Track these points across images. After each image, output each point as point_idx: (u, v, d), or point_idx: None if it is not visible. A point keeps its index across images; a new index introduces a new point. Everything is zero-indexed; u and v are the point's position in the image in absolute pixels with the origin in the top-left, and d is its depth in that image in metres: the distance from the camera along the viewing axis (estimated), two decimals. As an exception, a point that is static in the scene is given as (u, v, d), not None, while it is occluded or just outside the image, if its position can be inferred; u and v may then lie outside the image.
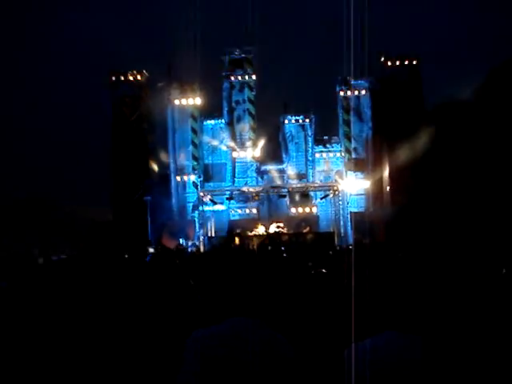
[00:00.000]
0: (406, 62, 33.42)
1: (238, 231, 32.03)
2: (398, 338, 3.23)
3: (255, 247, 25.65)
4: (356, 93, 35.28)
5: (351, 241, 32.95)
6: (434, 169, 31.80)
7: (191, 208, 35.45)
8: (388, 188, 33.96)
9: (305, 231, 32.42)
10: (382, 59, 33.58)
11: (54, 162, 41.42)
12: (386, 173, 34.04)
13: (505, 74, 32.52)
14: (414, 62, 33.55)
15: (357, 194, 35.76)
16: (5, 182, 36.45)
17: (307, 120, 36.75)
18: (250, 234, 31.68)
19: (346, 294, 6.45)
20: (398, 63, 33.43)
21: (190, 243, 32.25)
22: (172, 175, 35.76)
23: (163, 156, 35.35)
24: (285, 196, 34.69)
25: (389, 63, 33.45)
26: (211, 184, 36.39)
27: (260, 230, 32.43)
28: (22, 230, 33.66)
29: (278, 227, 32.33)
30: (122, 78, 34.05)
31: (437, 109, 34.26)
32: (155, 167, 35.24)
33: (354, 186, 35.41)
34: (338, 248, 24.88)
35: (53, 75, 43.83)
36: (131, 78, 34.00)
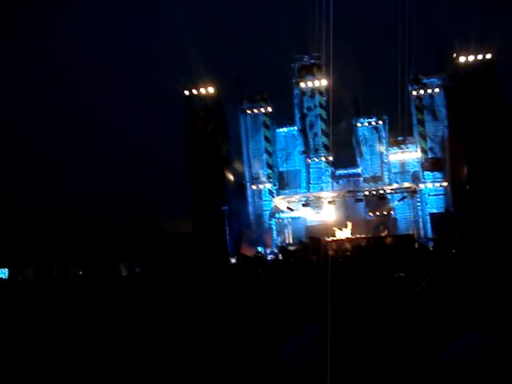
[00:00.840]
0: (480, 57, 32.46)
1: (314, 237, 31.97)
2: (482, 340, 3.26)
3: (334, 253, 25.54)
4: (429, 91, 34.64)
5: (431, 242, 32.25)
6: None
7: (268, 216, 35.75)
8: (468, 187, 33.10)
9: (383, 234, 32.03)
10: (455, 55, 32.78)
11: (135, 177, 42.63)
12: (465, 171, 33.20)
13: None
14: (488, 57, 32.54)
15: (436, 195, 35.03)
16: (88, 199, 37.79)
17: (380, 122, 36.37)
18: (327, 239, 31.59)
19: (425, 298, 6.44)
20: (471, 59, 32.51)
21: (268, 251, 32.48)
22: (248, 184, 36.24)
23: (238, 166, 35.83)
24: (361, 200, 34.47)
25: (462, 59, 32.59)
26: (287, 191, 36.58)
27: (338, 234, 32.28)
28: (103, 244, 34.80)
29: (355, 232, 32.08)
30: (195, 92, 34.68)
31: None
32: (231, 177, 35.75)
33: (432, 187, 34.72)
34: (417, 249, 24.48)
35: (123, 86, 45.09)
36: (203, 91, 34.60)
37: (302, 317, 3.63)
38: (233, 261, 18.46)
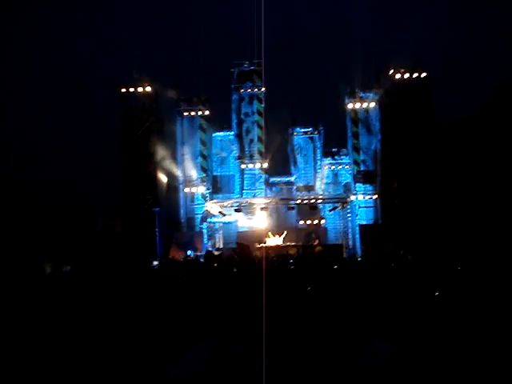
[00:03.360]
0: (415, 75, 33.31)
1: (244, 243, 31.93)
2: (383, 347, 3.26)
3: (262, 260, 25.54)
4: (365, 105, 35.26)
5: (360, 253, 32.79)
6: (443, 182, 31.74)
7: (199, 219, 35.51)
8: (397, 200, 33.84)
9: (315, 243, 32.34)
10: (391, 72, 33.52)
11: (62, 173, 41.59)
12: (395, 185, 33.94)
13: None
14: (423, 75, 33.43)
15: (365, 206, 35.63)
16: (14, 191, 36.65)
17: (316, 132, 36.83)
18: (257, 246, 31.64)
19: (339, 309, 6.44)
20: (406, 76, 33.32)
21: (198, 254, 32.23)
22: (181, 186, 35.87)
23: (172, 167, 35.44)
24: (293, 208, 34.71)
25: (398, 76, 33.37)
26: (220, 196, 36.46)
27: (268, 242, 32.38)
28: (30, 241, 33.78)
29: (285, 240, 32.29)
30: (132, 90, 34.15)
31: (444, 122, 34.27)
32: (164, 179, 35.35)
33: (363, 198, 35.31)
34: (345, 260, 24.75)
35: (61, 84, 44.04)
36: (140, 90, 34.11)
37: (199, 330, 3.42)
38: (155, 263, 18.08)
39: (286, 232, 32.61)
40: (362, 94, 35.20)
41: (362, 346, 3.30)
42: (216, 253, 27.87)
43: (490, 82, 37.16)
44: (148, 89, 34.21)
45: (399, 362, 3.11)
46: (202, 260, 28.68)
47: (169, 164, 35.03)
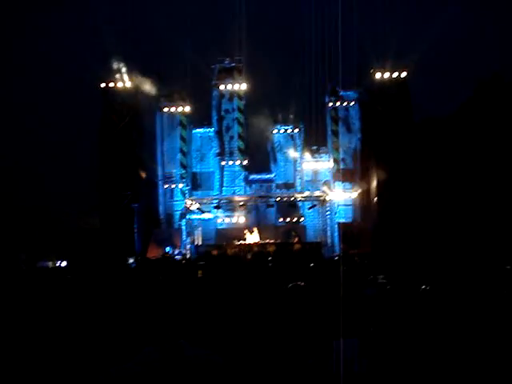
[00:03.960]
0: (396, 75, 33.47)
1: (224, 242, 32.05)
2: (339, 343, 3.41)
3: (241, 257, 25.59)
4: (345, 104, 35.41)
5: (338, 251, 32.99)
6: (421, 181, 31.98)
7: (178, 216, 35.39)
8: (375, 199, 34.04)
9: (295, 240, 32.43)
10: (372, 71, 33.66)
11: (39, 167, 41.15)
12: (374, 184, 34.14)
13: (492, 86, 32.81)
14: (404, 74, 33.61)
15: (345, 205, 35.81)
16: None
17: (296, 130, 36.88)
18: (236, 243, 31.66)
19: (315, 306, 6.45)
20: (387, 75, 33.47)
21: (176, 251, 32.16)
22: (160, 183, 35.72)
23: (151, 163, 35.27)
24: (272, 205, 34.75)
25: (378, 75, 33.50)
26: (199, 192, 36.36)
27: (248, 239, 32.44)
28: (8, 236, 33.45)
29: (264, 237, 32.38)
30: (112, 85, 33.91)
31: (424, 121, 34.52)
32: (143, 174, 35.18)
33: (342, 197, 35.46)
34: (323, 258, 24.87)
35: (42, 76, 43.51)
36: (120, 85, 33.88)
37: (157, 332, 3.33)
38: (131, 261, 17.90)
39: (256, 229, 32.76)
40: (342, 93, 35.33)
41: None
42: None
43: (470, 81, 37.40)
44: (128, 84, 33.98)
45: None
46: (177, 257, 28.65)
47: (148, 160, 34.86)
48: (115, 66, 33.62)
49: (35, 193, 38.32)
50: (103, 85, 33.90)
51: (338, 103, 35.29)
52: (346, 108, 35.66)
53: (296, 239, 32.87)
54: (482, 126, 32.02)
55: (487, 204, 30.40)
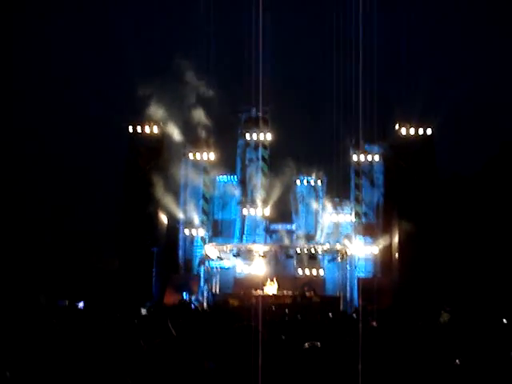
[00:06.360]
0: (421, 131, 33.55)
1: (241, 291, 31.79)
2: None
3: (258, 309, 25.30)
4: (369, 158, 35.38)
5: (357, 306, 32.51)
6: (444, 238, 31.68)
7: (197, 262, 35.30)
8: (397, 255, 33.73)
9: (308, 295, 32.03)
10: (397, 126, 33.78)
11: (63, 204, 41.51)
12: (396, 240, 33.88)
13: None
14: (429, 131, 33.69)
15: (365, 259, 35.44)
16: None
17: (319, 181, 36.88)
18: (254, 293, 31.40)
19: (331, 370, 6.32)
20: (412, 131, 33.56)
21: (193, 298, 31.97)
22: (181, 228, 35.77)
23: (174, 208, 35.41)
24: (292, 256, 34.55)
25: (403, 130, 33.61)
26: (219, 239, 36.30)
27: (266, 289, 32.24)
28: (29, 272, 33.67)
29: (283, 288, 32.11)
30: (139, 130, 34.46)
31: (450, 179, 34.39)
32: (165, 219, 35.33)
33: (363, 251, 35.14)
34: (340, 314, 24.55)
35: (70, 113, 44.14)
36: (148, 131, 34.40)
37: None
38: (143, 312, 17.66)
39: (276, 280, 32.52)
40: (366, 147, 35.36)
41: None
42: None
43: (495, 140, 37.36)
44: (155, 129, 34.48)
45: None
46: (193, 304, 28.48)
47: (170, 205, 35.04)
48: (144, 110, 34.19)
49: (57, 231, 38.64)
50: (131, 128, 34.43)
51: (362, 157, 35.27)
52: (370, 162, 35.62)
53: (310, 293, 32.43)
54: (504, 185, 31.83)
55: (510, 265, 29.98)
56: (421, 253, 31.86)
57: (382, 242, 34.98)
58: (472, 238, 31.79)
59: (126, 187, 34.27)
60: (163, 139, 35.09)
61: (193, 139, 36.16)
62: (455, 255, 31.52)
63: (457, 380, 6.59)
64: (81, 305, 25.35)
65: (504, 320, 12.90)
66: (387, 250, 34.61)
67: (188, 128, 35.83)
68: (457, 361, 7.11)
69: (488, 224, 31.78)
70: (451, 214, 32.45)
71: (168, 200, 34.87)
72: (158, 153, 34.78)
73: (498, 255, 30.64)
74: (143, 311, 17.93)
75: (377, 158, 35.49)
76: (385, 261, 34.87)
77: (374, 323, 11.67)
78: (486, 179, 33.63)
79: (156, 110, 34.31)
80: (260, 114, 36.06)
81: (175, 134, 35.35)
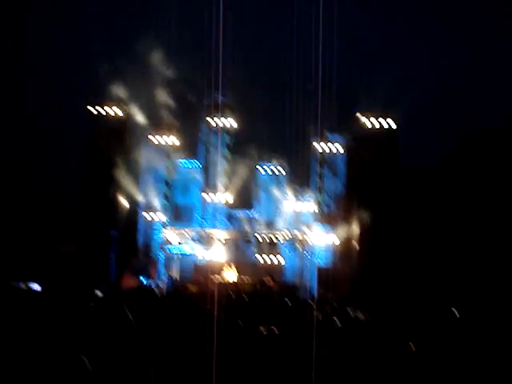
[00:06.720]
0: (383, 123, 33.82)
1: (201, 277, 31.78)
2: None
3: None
4: (331, 148, 35.52)
5: (315, 294, 32.74)
6: (403, 231, 32.10)
7: (157, 247, 35.06)
8: (355, 244, 34.06)
9: (268, 282, 32.17)
10: (360, 118, 33.99)
11: (26, 186, 40.71)
12: (356, 229, 34.17)
13: (475, 141, 33.28)
14: (391, 123, 33.98)
15: (325, 248, 35.67)
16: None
17: (280, 169, 36.91)
18: (214, 280, 31.41)
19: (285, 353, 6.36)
20: (375, 123, 33.81)
21: (151, 283, 31.82)
22: (141, 212, 35.43)
23: (135, 192, 35.05)
24: (251, 242, 34.63)
25: (366, 122, 33.84)
26: (179, 224, 36.09)
27: (225, 275, 32.26)
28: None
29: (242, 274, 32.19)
30: (102, 112, 33.95)
31: (410, 171, 34.81)
32: (125, 203, 34.95)
33: (322, 240, 35.37)
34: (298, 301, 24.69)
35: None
36: (111, 112, 33.91)
37: None
38: (99, 294, 17.41)
39: (234, 266, 32.58)
40: (329, 137, 35.49)
41: None
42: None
43: (457, 132, 37.82)
44: (119, 112, 34.03)
45: None
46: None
47: (131, 188, 34.66)
48: (107, 92, 33.71)
49: (16, 212, 37.91)
50: (92, 110, 33.92)
51: (324, 147, 35.38)
52: (333, 152, 35.77)
53: (270, 280, 32.56)
54: (464, 178, 32.37)
55: (465, 254, 30.60)
56: (379, 243, 32.24)
57: (342, 232, 35.22)
58: (431, 229, 32.28)
59: (87, 169, 33.78)
60: (126, 122, 34.65)
61: (156, 123, 35.78)
62: (413, 246, 31.99)
63: (409, 363, 6.68)
64: (36, 287, 24.97)
65: (453, 309, 13.16)
66: (346, 239, 34.89)
67: (152, 112, 35.44)
68: (410, 344, 7.21)
69: (447, 215, 32.31)
70: (411, 205, 32.88)
71: (129, 183, 34.50)
72: (120, 135, 34.32)
73: (455, 246, 31.20)
74: (99, 293, 17.71)
75: (340, 148, 35.65)
76: (344, 250, 35.14)
77: (358, 315, 11.84)
78: (445, 172, 34.13)
79: (120, 93, 33.85)
80: (222, 100, 35.85)
81: (139, 117, 34.93)
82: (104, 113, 34.10)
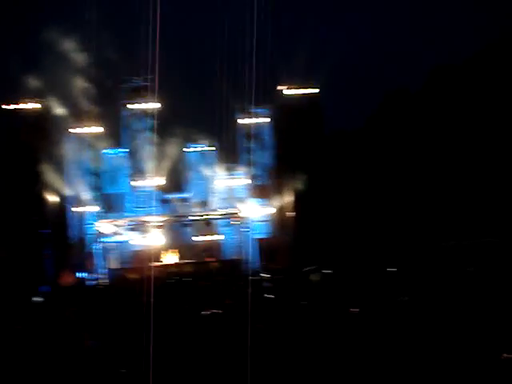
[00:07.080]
0: (306, 92, 34.12)
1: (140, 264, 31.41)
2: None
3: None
4: (256, 120, 35.53)
5: (258, 267, 32.92)
6: (335, 194, 32.61)
7: (91, 240, 34.29)
8: (291, 213, 34.39)
9: (208, 259, 32.16)
10: (283, 88, 34.15)
11: None
12: (289, 199, 34.47)
13: (397, 101, 33.98)
14: (314, 91, 34.31)
15: (261, 221, 35.81)
16: None
17: (209, 148, 36.63)
18: (153, 265, 31.09)
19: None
20: (297, 92, 34.06)
21: (91, 276, 31.25)
22: (70, 206, 34.53)
23: (62, 187, 34.10)
24: (188, 225, 34.41)
25: (289, 92, 34.05)
26: (112, 215, 35.34)
27: (165, 260, 32.05)
28: None
29: (182, 257, 32.06)
30: (18, 107, 32.80)
31: (333, 135, 35.33)
32: (51, 198, 33.96)
33: (258, 213, 35.49)
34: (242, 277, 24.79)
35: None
36: (28, 107, 32.78)
37: None
38: (38, 300, 16.77)
39: (173, 249, 32.43)
40: (253, 110, 35.42)
41: None
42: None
43: (379, 94, 38.39)
44: (36, 106, 32.93)
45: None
46: (92, 282, 27.81)
47: (58, 183, 33.70)
48: (23, 87, 32.59)
49: None
50: (8, 106, 32.76)
51: (249, 120, 35.33)
52: (258, 125, 35.79)
53: (209, 258, 32.55)
54: (387, 138, 33.07)
55: (394, 212, 31.39)
56: (312, 208, 32.66)
57: (277, 202, 35.44)
58: (358, 190, 32.88)
59: (8, 168, 32.65)
60: (46, 115, 33.56)
61: (77, 113, 34.73)
62: (344, 208, 32.53)
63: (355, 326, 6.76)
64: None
65: (389, 269, 13.59)
66: (282, 209, 35.15)
67: (70, 102, 34.40)
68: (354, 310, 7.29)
69: (373, 175, 32.96)
70: (339, 169, 33.38)
71: (55, 179, 33.52)
72: (40, 129, 33.23)
73: (384, 208, 31.93)
74: (37, 299, 17.11)
75: (264, 120, 35.69)
76: (280, 220, 35.42)
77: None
78: (369, 132, 34.74)
79: (36, 86, 32.74)
80: (143, 83, 35.10)
81: (58, 109, 33.88)
82: (20, 108, 32.93)
